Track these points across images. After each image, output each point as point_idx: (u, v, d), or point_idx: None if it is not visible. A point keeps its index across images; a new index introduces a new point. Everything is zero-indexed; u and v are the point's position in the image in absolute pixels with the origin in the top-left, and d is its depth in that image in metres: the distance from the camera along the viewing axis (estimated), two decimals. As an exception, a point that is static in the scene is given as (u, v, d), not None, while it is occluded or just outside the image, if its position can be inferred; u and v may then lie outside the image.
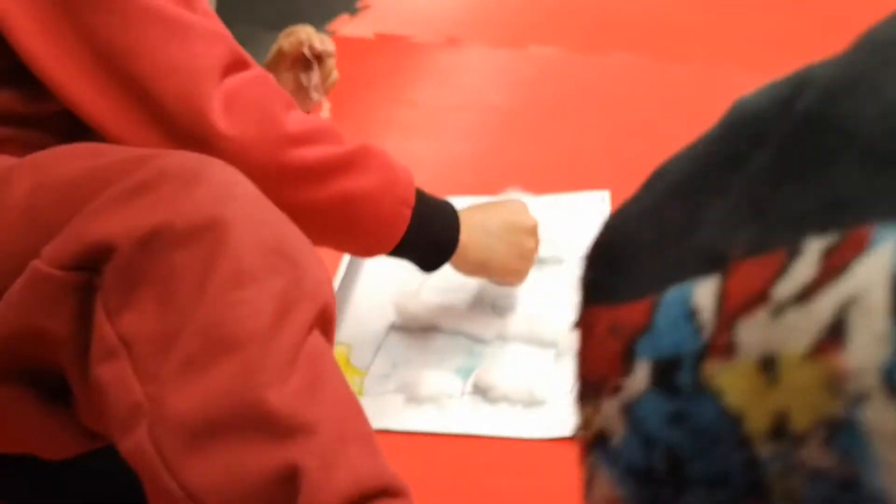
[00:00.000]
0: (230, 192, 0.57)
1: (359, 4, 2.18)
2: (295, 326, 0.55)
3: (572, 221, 1.17)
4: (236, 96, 0.70)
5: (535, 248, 0.97)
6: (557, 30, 1.99)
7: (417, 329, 1.01)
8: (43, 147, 0.74)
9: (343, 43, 1.43)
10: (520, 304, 1.05)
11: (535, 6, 2.15)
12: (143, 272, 0.54)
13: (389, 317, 1.03)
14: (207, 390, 0.52)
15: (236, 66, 0.71)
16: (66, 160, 0.61)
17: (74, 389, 0.58)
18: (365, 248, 0.87)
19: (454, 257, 0.89)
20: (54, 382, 0.58)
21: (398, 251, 0.85)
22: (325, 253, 1.14)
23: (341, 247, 0.88)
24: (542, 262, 1.11)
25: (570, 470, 0.83)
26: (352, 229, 0.81)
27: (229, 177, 0.58)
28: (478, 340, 0.99)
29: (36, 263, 0.55)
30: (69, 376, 0.57)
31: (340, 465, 0.52)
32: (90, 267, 0.54)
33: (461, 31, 1.99)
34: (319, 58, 0.98)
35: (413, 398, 0.91)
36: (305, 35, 0.98)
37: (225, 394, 0.52)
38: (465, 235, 0.88)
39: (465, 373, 0.95)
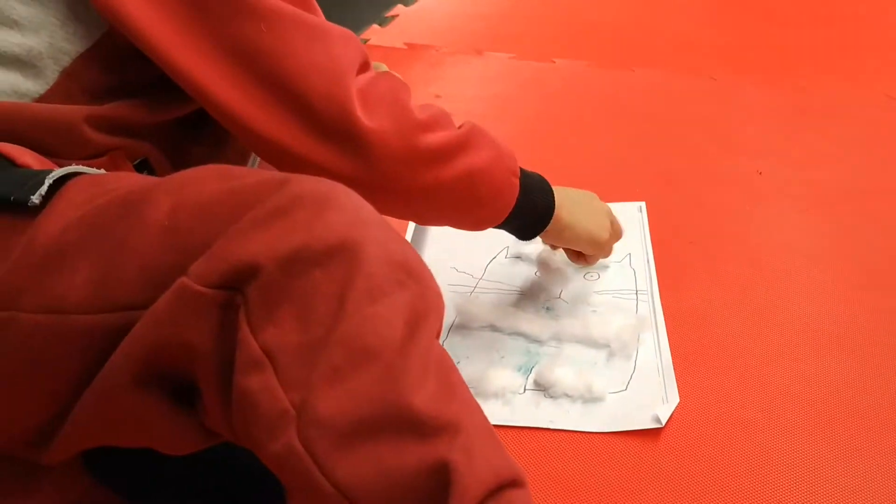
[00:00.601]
0: (359, 217, 0.61)
1: (388, 14, 2.25)
2: (424, 336, 0.59)
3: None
4: (370, 91, 0.75)
5: (611, 228, 1.06)
6: (579, 44, 2.06)
7: (477, 328, 1.08)
8: (149, 157, 0.79)
9: (374, 52, 1.49)
10: (568, 307, 1.12)
11: (552, 21, 2.23)
12: (285, 290, 0.57)
13: (450, 316, 1.10)
14: (354, 394, 0.55)
15: (366, 64, 0.77)
16: (202, 182, 0.63)
17: (205, 396, 0.61)
18: (482, 220, 0.92)
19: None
20: (183, 387, 0.62)
21: (507, 220, 0.92)
22: None
23: (463, 220, 0.92)
24: (588, 268, 1.19)
25: (627, 461, 0.91)
26: (473, 202, 0.87)
27: (356, 201, 0.62)
28: (534, 340, 1.06)
29: (184, 281, 0.58)
30: (202, 384, 0.60)
31: (480, 458, 0.56)
32: (235, 286, 0.58)
33: (484, 43, 2.07)
34: None
35: (480, 393, 0.98)
36: None
37: (371, 398, 0.55)
38: (557, 204, 0.96)
39: (526, 370, 1.02)
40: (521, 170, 0.92)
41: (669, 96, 1.78)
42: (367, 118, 0.75)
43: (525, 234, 0.98)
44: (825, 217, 1.36)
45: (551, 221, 0.96)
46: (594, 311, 1.11)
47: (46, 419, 0.65)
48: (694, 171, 1.46)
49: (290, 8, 0.73)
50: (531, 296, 1.14)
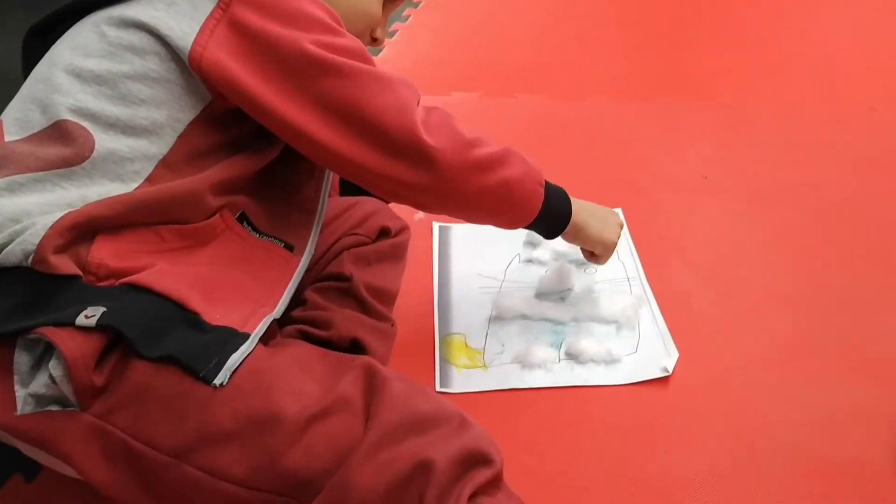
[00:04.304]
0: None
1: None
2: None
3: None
4: (429, 119, 0.98)
5: (618, 233, 1.29)
6: (538, 80, 2.35)
7: (510, 318, 1.36)
8: (244, 209, 0.96)
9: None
10: (579, 295, 1.40)
11: (510, 62, 2.51)
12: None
13: (487, 310, 1.37)
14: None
15: (419, 100, 1.00)
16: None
17: None
18: (515, 220, 1.12)
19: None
20: None
21: (534, 222, 1.12)
22: (422, 274, 1.46)
23: (501, 220, 1.12)
24: (587, 263, 1.48)
25: (641, 405, 1.19)
26: (509, 205, 1.08)
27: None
28: (558, 322, 1.34)
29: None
30: None
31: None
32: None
33: (452, 84, 2.34)
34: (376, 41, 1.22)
35: (526, 365, 1.25)
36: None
37: None
38: (574, 211, 1.18)
39: (557, 345, 1.30)
40: (546, 181, 1.12)
41: (622, 119, 2.09)
42: (430, 139, 0.95)
43: (549, 233, 1.19)
44: (765, 209, 1.68)
45: (569, 224, 1.19)
46: (599, 296, 1.40)
47: None
48: (654, 180, 1.77)
49: (358, 64, 0.95)
50: (548, 290, 1.41)
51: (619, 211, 1.63)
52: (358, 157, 0.95)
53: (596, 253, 1.29)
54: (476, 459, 0.83)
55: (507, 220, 1.13)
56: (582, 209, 1.21)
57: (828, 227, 1.62)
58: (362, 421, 0.84)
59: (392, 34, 2.69)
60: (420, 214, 1.64)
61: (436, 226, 1.61)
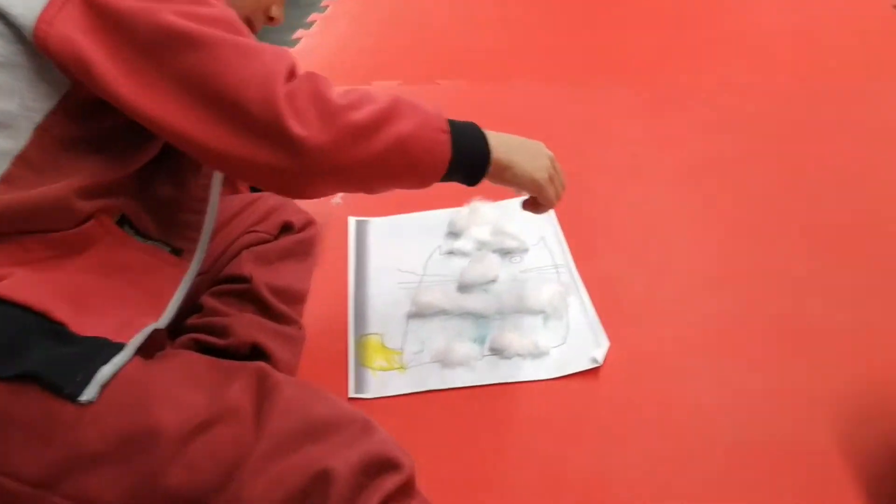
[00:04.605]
0: None
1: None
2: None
3: (527, 220, 1.46)
4: (295, 92, 0.83)
5: (552, 168, 1.08)
6: (459, 66, 2.28)
7: (431, 314, 1.27)
8: (125, 211, 0.87)
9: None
10: (503, 286, 1.32)
11: (430, 48, 2.43)
12: None
13: (405, 307, 1.28)
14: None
15: (293, 73, 0.86)
16: None
17: None
18: (424, 177, 0.96)
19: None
20: None
21: (448, 173, 0.95)
22: (336, 272, 1.36)
23: (406, 182, 0.96)
24: (512, 252, 1.40)
25: (571, 399, 1.11)
26: (409, 164, 0.92)
27: None
28: (481, 316, 1.26)
29: None
30: None
31: None
32: None
33: (371, 73, 2.25)
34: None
35: (447, 364, 1.16)
36: None
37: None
38: (493, 147, 1.00)
39: (480, 341, 1.21)
40: (452, 123, 0.95)
41: (546, 102, 2.02)
42: (293, 117, 0.82)
43: (469, 180, 1.01)
44: (695, 189, 1.62)
45: (490, 164, 1.00)
46: (525, 286, 1.31)
47: None
48: (582, 163, 1.70)
49: (221, 33, 0.83)
50: (470, 282, 1.33)
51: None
52: (218, 143, 0.82)
53: (531, 193, 1.09)
54: (382, 466, 0.78)
55: (413, 179, 0.96)
56: (502, 144, 1.02)
57: (759, 205, 1.56)
58: (253, 430, 0.78)
59: (309, 25, 2.59)
60: (337, 199, 1.55)
61: (352, 220, 1.51)
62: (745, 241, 1.45)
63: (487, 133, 1.00)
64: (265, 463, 0.76)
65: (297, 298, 1.17)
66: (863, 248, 1.42)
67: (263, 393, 0.80)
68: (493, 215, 1.45)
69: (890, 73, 2.11)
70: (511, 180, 1.04)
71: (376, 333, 1.24)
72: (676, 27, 2.50)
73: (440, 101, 2.04)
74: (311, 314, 1.21)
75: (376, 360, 1.19)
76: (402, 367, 1.18)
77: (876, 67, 2.14)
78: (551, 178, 1.08)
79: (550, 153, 1.09)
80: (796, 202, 1.56)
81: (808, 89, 2.03)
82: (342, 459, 0.76)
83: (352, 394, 1.13)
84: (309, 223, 1.23)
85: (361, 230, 1.49)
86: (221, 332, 1.06)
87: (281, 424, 0.78)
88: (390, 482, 0.77)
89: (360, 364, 1.18)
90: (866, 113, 1.89)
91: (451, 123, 0.95)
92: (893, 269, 1.36)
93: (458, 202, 1.48)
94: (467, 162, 0.98)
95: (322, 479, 0.75)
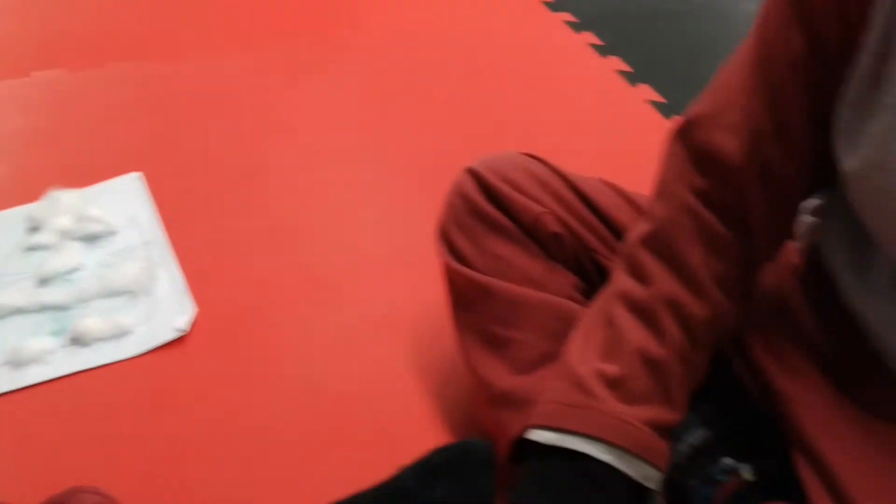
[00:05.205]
0: None
1: None
2: None
3: (116, 201, 1.41)
4: None
5: None
6: (55, 53, 2.11)
7: (6, 315, 1.18)
8: None
9: None
10: (88, 273, 1.26)
11: (21, 36, 2.23)
12: None
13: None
14: None
15: None
16: None
17: None
18: None
19: None
20: None
21: None
22: None
23: None
24: (99, 236, 1.34)
25: (160, 373, 1.09)
26: None
27: None
28: (61, 308, 1.19)
29: None
30: None
31: None
32: None
33: (32, 62, 2.01)
34: None
35: (19, 364, 1.09)
36: None
37: None
38: None
39: (60, 333, 1.15)
40: None
41: (157, 83, 1.93)
42: None
43: None
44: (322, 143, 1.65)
45: None
46: (109, 269, 1.27)
47: None
48: (193, 139, 1.65)
49: None
50: (52, 274, 1.25)
51: (140, 174, 1.50)
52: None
53: None
54: None
55: None
56: None
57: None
58: None
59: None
60: None
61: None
62: (371, 210, 1.51)
63: None
64: None
65: None
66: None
67: None
68: (76, 202, 1.38)
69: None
70: None
71: (-63, 346, 1.13)
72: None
73: (34, 95, 1.90)
74: None
75: (-63, 376, 1.09)
76: (-32, 379, 1.09)
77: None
78: None
79: None
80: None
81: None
82: None
83: None
84: None
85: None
86: None
87: None
88: None
89: (-82, 384, 1.08)
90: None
91: None
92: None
93: (33, 196, 1.39)
94: None
95: None
